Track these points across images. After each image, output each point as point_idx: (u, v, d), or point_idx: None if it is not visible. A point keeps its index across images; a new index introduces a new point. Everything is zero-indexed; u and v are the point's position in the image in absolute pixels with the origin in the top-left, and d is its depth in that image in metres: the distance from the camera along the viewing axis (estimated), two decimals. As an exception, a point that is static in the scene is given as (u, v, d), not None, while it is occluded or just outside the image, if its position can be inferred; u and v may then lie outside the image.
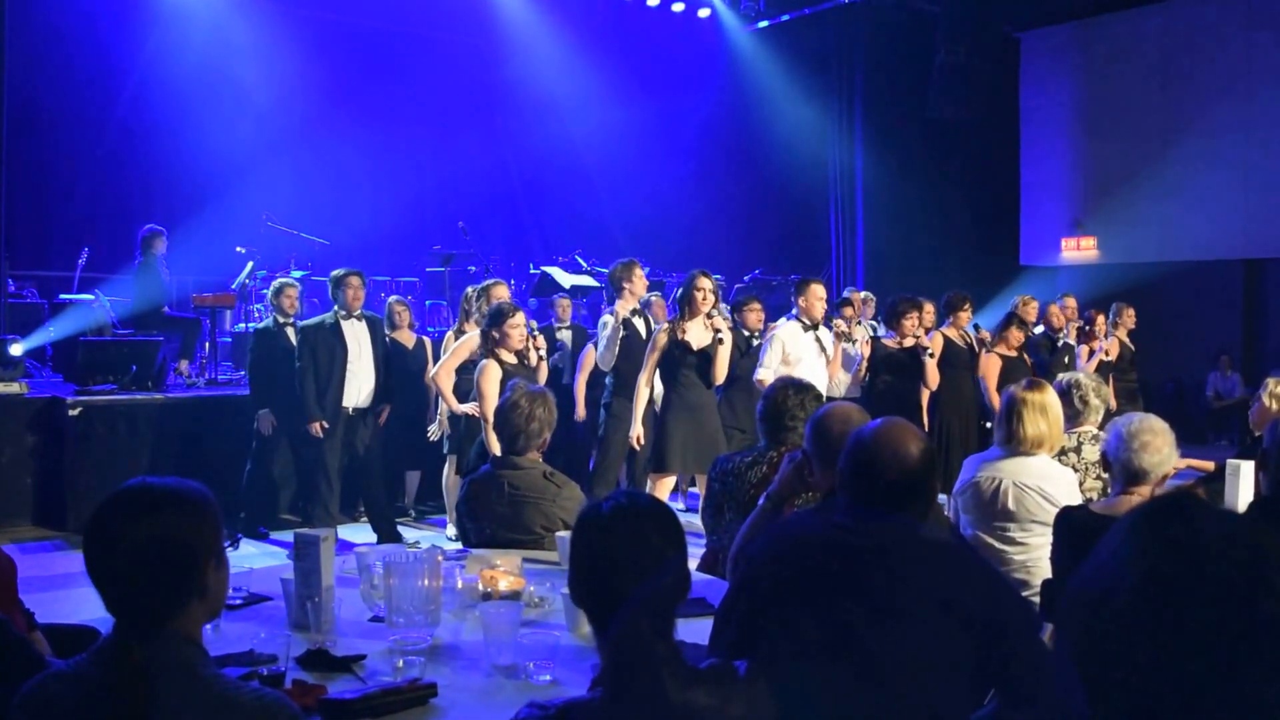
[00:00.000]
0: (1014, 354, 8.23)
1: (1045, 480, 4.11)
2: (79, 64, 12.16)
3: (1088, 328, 9.43)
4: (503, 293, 7.49)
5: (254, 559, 7.02)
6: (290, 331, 7.77)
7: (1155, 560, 1.19)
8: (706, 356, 6.59)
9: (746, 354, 7.66)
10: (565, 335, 8.96)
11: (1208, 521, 1.22)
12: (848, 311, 8.33)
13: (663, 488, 6.65)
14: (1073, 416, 4.78)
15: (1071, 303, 9.85)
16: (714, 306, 6.68)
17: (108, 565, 1.82)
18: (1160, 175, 14.82)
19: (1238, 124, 14.06)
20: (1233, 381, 14.05)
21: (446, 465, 7.63)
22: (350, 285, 7.39)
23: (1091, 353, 9.23)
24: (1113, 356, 9.44)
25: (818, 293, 7.39)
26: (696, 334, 6.61)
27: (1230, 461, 3.91)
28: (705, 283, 6.64)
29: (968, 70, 15.13)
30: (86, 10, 12.05)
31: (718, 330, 6.57)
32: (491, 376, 6.14)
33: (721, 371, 6.67)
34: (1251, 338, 14.54)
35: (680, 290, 6.75)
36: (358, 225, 13.23)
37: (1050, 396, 4.26)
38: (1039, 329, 9.58)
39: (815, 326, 7.39)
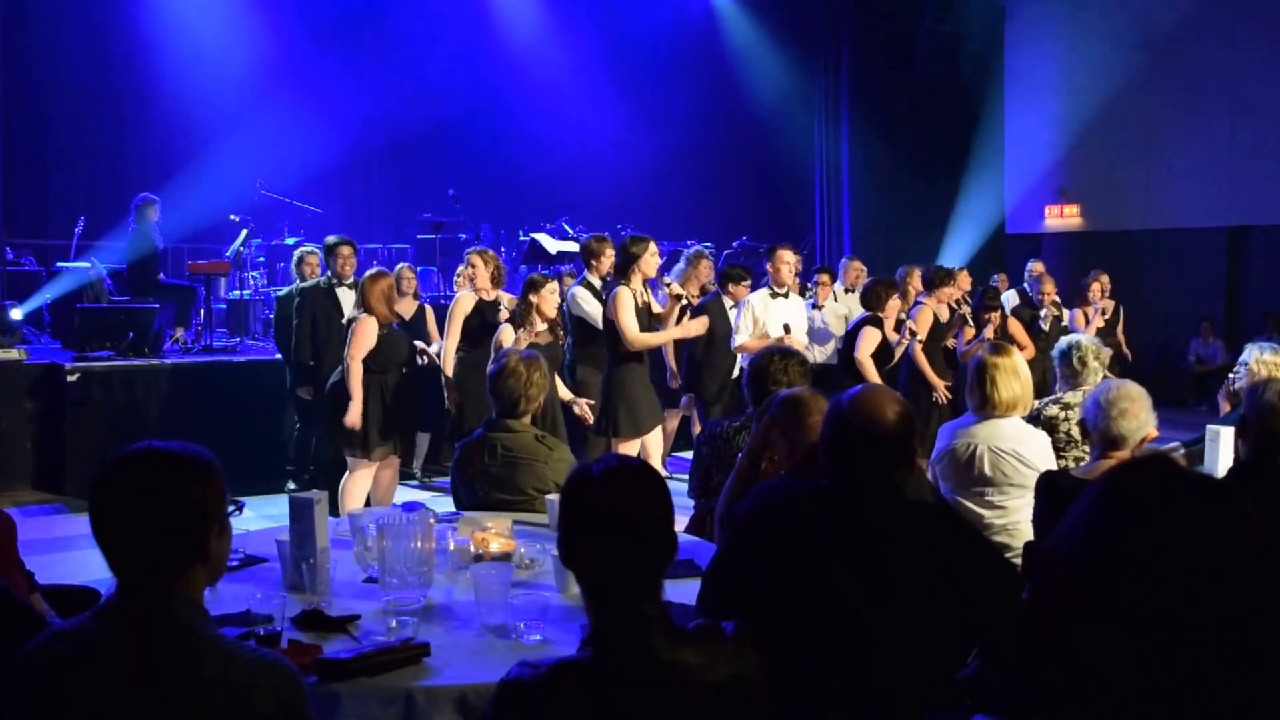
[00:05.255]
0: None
1: (1020, 444, 4.16)
2: (73, 35, 12.11)
3: (1088, 295, 9.45)
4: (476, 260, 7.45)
5: (252, 522, 7.09)
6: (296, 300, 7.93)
7: (1123, 523, 1.20)
8: (656, 318, 6.65)
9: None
10: None
11: (1178, 486, 1.23)
12: (822, 280, 8.33)
13: (628, 451, 6.72)
14: (1071, 377, 4.85)
15: (1039, 268, 9.91)
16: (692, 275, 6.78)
17: (113, 526, 1.85)
18: (1144, 143, 14.80)
19: (1222, 92, 13.99)
20: (1214, 348, 14.10)
21: None
22: (340, 254, 7.55)
23: (1088, 319, 9.26)
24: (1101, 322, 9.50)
25: (783, 258, 7.45)
26: (643, 296, 6.69)
27: (1210, 427, 3.94)
28: (655, 246, 6.70)
29: (953, 38, 15.09)
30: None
31: (678, 295, 6.63)
32: (505, 342, 6.24)
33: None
34: (1234, 304, 14.54)
35: (620, 254, 6.73)
36: (350, 193, 13.23)
37: (1018, 359, 4.34)
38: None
39: (785, 293, 7.48)
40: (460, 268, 8.05)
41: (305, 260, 8.29)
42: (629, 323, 6.34)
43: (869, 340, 7.48)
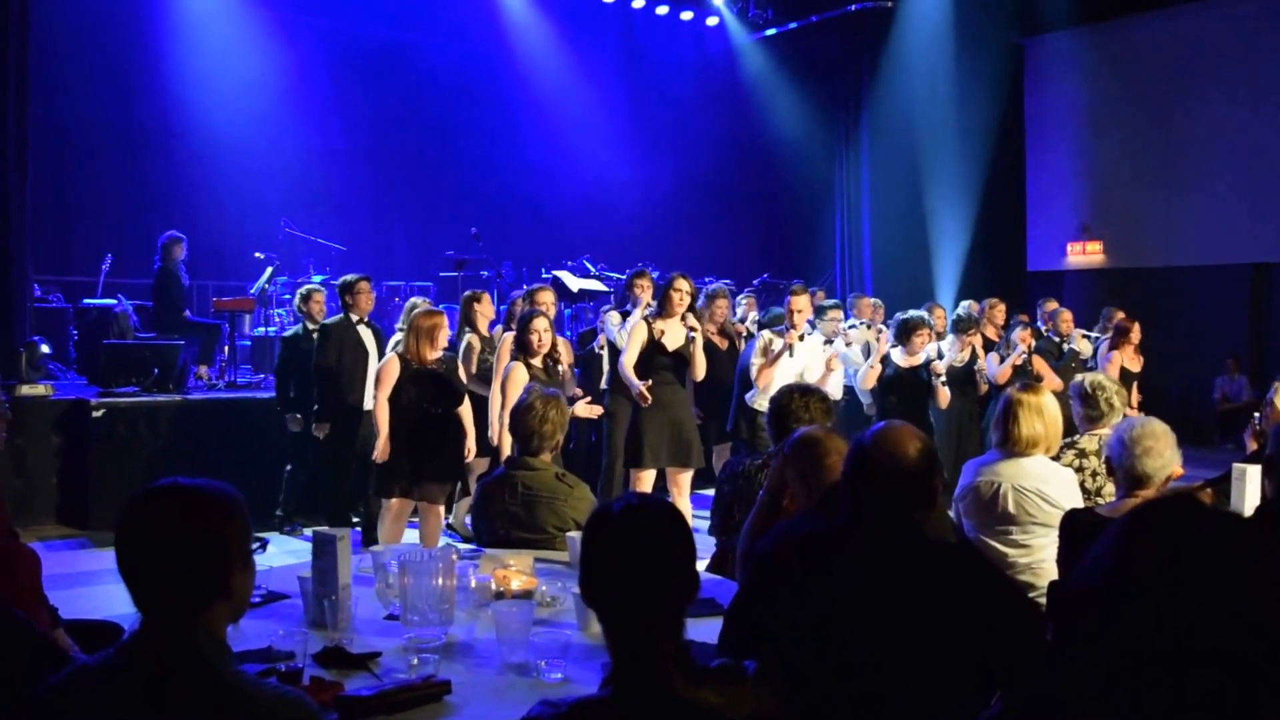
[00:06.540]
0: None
1: (1044, 482, 4.12)
2: (99, 74, 12.27)
3: (1118, 331, 9.38)
4: (545, 298, 7.51)
5: (275, 558, 7.09)
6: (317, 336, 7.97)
7: (1148, 561, 1.20)
8: (681, 357, 6.80)
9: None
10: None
11: (1203, 525, 1.23)
12: (835, 315, 8.33)
13: (643, 483, 6.79)
14: (1096, 418, 4.75)
15: (1058, 309, 9.87)
16: (690, 309, 6.89)
17: (138, 562, 1.86)
18: (1166, 180, 14.76)
19: (1244, 128, 13.97)
20: (1239, 384, 13.98)
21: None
22: (360, 291, 7.63)
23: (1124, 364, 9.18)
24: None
25: (794, 304, 7.48)
26: (672, 335, 6.80)
27: (1236, 465, 3.88)
28: (683, 284, 6.85)
29: (973, 75, 15.17)
30: (107, 21, 12.17)
31: (692, 327, 6.77)
32: (517, 380, 6.21)
33: (699, 368, 6.90)
34: (1259, 341, 14.42)
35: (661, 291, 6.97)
36: (373, 230, 13.35)
37: (1046, 398, 4.28)
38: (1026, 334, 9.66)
39: (800, 336, 7.61)
40: (465, 298, 7.85)
41: (312, 297, 8.27)
42: (629, 347, 6.81)
43: (871, 374, 7.89)
